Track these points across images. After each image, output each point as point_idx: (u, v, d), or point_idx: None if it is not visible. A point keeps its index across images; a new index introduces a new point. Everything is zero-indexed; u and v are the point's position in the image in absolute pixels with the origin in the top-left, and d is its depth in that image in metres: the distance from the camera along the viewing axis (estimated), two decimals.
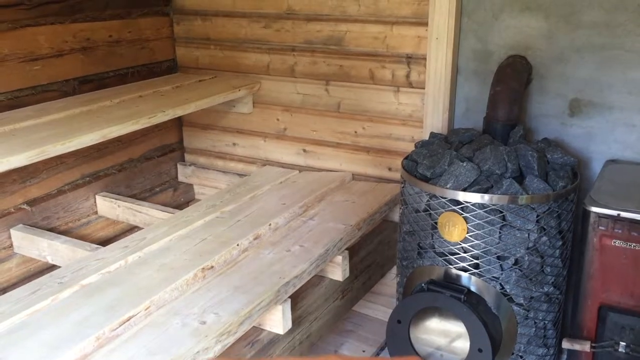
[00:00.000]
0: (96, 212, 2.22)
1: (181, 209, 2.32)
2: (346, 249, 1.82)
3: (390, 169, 2.18)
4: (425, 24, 1.96)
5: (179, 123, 2.55)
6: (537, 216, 1.54)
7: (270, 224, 1.84)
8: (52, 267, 1.87)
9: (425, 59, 1.99)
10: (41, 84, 1.97)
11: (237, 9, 2.30)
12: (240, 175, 2.47)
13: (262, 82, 2.34)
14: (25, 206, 1.97)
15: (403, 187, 1.74)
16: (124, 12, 2.23)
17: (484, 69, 1.92)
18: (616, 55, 1.72)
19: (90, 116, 1.85)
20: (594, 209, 1.47)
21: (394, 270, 2.12)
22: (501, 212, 1.53)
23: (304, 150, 2.34)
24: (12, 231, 1.93)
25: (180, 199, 2.60)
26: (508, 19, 1.84)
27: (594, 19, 1.72)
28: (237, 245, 1.70)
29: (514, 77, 1.78)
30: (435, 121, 2.01)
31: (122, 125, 1.79)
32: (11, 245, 1.94)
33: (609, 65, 1.73)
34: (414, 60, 2.03)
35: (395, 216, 2.10)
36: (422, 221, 1.66)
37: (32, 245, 1.92)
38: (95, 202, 2.21)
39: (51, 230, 2.04)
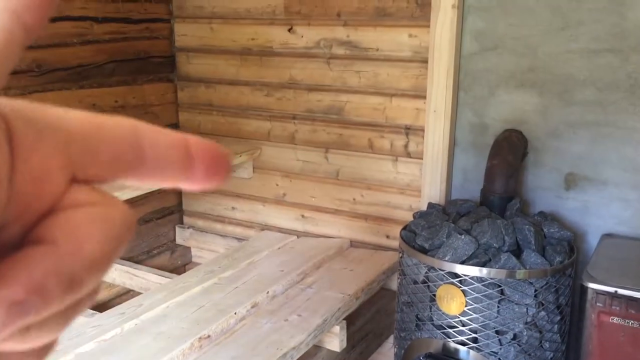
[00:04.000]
0: None
1: (178, 273, 2.32)
2: (344, 318, 1.81)
3: (388, 237, 2.20)
4: (424, 97, 2.01)
5: None
6: (535, 291, 1.55)
7: (268, 292, 1.84)
8: None
9: (423, 130, 2.04)
10: None
11: (241, 78, 2.36)
12: (239, 239, 2.48)
13: (263, 148, 2.38)
14: None
15: (401, 258, 1.76)
16: (130, 78, 2.29)
17: (480, 141, 1.96)
18: (609, 132, 1.76)
19: None
20: (592, 285, 1.48)
21: (391, 339, 2.10)
22: (499, 286, 1.54)
23: (303, 216, 2.36)
24: None
25: (178, 262, 2.60)
26: (504, 94, 1.90)
27: (587, 97, 1.78)
28: (235, 313, 1.70)
29: (510, 151, 1.82)
30: (433, 191, 2.04)
31: (124, 191, 1.81)
32: None
33: (602, 141, 1.78)
34: (412, 131, 2.08)
35: (393, 284, 2.10)
36: (420, 293, 1.66)
37: None
38: None
39: None
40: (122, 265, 2.18)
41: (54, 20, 1.97)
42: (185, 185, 0.23)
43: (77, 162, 0.20)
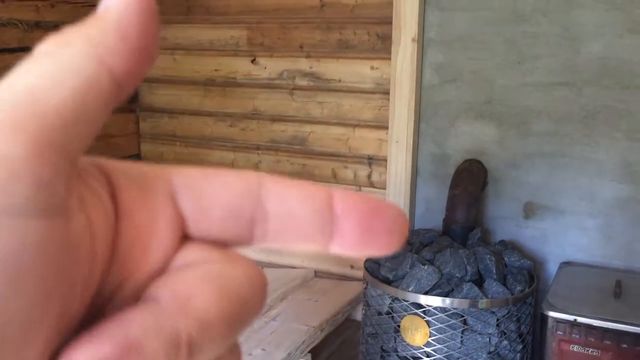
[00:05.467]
0: None
1: None
2: (309, 351, 1.79)
3: (352, 267, 2.20)
4: (386, 128, 2.04)
5: None
6: (497, 320, 1.57)
7: None
8: None
9: (386, 160, 2.06)
10: None
11: (204, 108, 2.36)
12: None
13: None
14: None
15: (366, 289, 1.76)
16: None
17: (442, 171, 1.99)
18: (565, 163, 1.81)
19: None
20: (552, 314, 1.51)
21: None
22: (462, 316, 1.55)
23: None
24: None
25: None
26: (463, 125, 1.94)
27: (543, 129, 1.83)
28: None
29: (471, 181, 1.85)
30: None
31: None
32: None
33: (559, 171, 1.82)
34: (375, 161, 2.10)
35: (358, 315, 2.10)
36: (385, 324, 1.66)
37: None
38: None
39: None
40: None
41: (12, 51, 1.95)
42: (335, 250, 0.19)
43: (188, 216, 0.18)
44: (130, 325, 0.16)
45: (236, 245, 0.19)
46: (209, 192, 0.19)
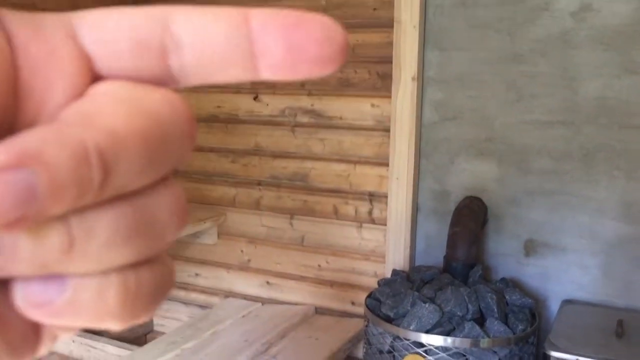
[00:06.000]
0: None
1: (140, 343, 2.25)
2: None
3: (353, 303, 2.19)
4: (387, 165, 2.05)
5: None
6: (499, 359, 1.55)
7: None
8: None
9: (386, 197, 2.07)
10: None
11: (207, 144, 2.38)
12: (202, 307, 2.43)
13: (228, 214, 2.37)
14: None
15: (367, 327, 1.75)
16: None
17: (442, 208, 2.00)
18: (565, 200, 1.82)
19: None
20: (554, 354, 1.49)
21: None
22: (464, 355, 1.54)
23: (268, 283, 2.34)
24: None
25: (139, 331, 2.53)
26: (463, 162, 1.95)
27: (543, 166, 1.84)
28: None
29: (471, 218, 1.86)
30: (397, 257, 2.06)
31: None
32: None
33: (559, 209, 1.83)
34: (376, 197, 2.11)
35: (359, 352, 2.08)
36: None
37: None
38: None
39: None
40: (80, 336, 2.11)
41: None
42: (266, 74, 0.17)
43: (94, 52, 0.17)
44: (28, 138, 0.15)
45: (156, 83, 0.18)
46: (111, 26, 0.17)
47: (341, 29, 0.18)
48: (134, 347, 2.03)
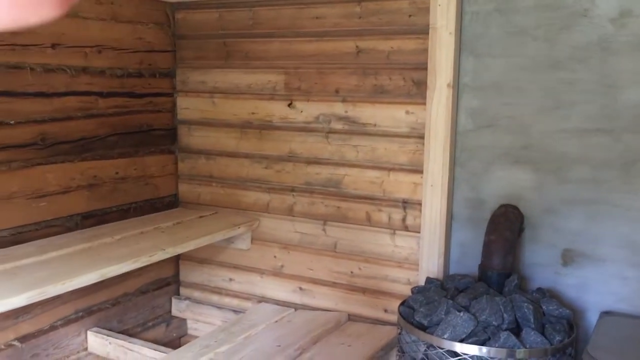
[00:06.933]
0: (86, 349, 2.18)
1: (174, 346, 2.28)
2: None
3: (386, 311, 2.18)
4: (421, 172, 2.05)
5: (176, 256, 2.57)
6: None
7: None
8: None
9: (420, 204, 2.06)
10: (45, 220, 2.01)
11: (241, 150, 2.41)
12: (235, 311, 2.45)
13: (261, 220, 2.39)
14: (15, 342, 1.94)
15: (400, 334, 1.74)
16: (132, 150, 2.32)
17: (477, 216, 1.98)
18: (605, 210, 1.78)
19: (91, 254, 1.87)
20: None
21: None
22: None
23: (300, 288, 2.35)
24: None
25: (173, 334, 2.56)
26: (499, 170, 1.93)
27: (581, 175, 1.81)
28: None
29: (507, 227, 1.84)
30: (430, 265, 2.04)
31: (122, 265, 1.81)
32: None
33: (598, 218, 1.80)
34: (409, 205, 2.10)
35: None
36: None
37: None
38: (86, 338, 2.17)
39: None
40: (117, 338, 2.15)
41: (60, 95, 2.02)
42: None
43: None
44: None
45: None
46: None
47: None
48: (169, 349, 2.06)
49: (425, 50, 1.98)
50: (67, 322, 2.11)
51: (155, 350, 2.07)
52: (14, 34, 1.87)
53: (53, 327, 2.06)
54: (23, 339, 1.96)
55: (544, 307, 1.68)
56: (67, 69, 2.04)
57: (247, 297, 2.47)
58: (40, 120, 1.97)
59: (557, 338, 1.57)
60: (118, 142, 2.26)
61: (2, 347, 1.90)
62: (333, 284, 2.28)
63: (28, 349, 1.98)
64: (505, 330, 1.56)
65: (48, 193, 2.02)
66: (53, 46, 1.98)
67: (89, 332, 2.18)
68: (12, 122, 1.88)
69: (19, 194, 1.92)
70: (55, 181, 2.04)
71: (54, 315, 2.06)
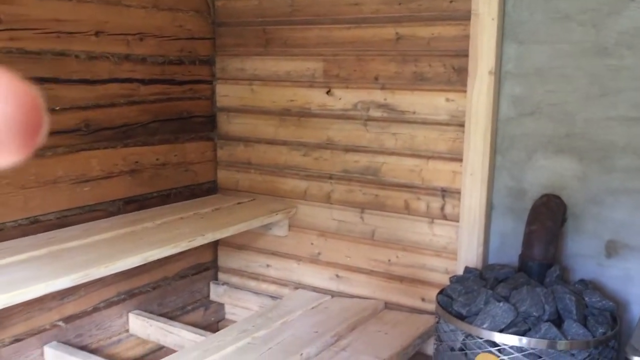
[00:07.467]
0: (127, 331, 2.23)
1: (212, 330, 2.32)
2: None
3: (423, 300, 2.17)
4: (460, 160, 2.02)
5: (214, 242, 2.60)
6: None
7: (301, 354, 1.82)
8: None
9: (459, 193, 2.04)
10: (88, 204, 2.06)
11: (279, 137, 2.41)
12: (273, 297, 2.48)
13: (299, 207, 2.40)
14: (60, 323, 2.00)
15: (438, 323, 1.73)
16: (172, 137, 2.35)
17: (518, 206, 1.95)
18: None
19: (133, 238, 1.91)
20: (637, 359, 1.43)
21: None
22: (539, 356, 1.50)
23: (337, 276, 2.35)
24: (46, 348, 1.94)
25: (211, 318, 2.60)
26: (542, 159, 1.89)
27: (628, 164, 1.76)
28: None
29: (549, 217, 1.80)
30: (469, 255, 2.02)
31: (163, 249, 1.84)
32: None
33: None
34: (448, 193, 2.08)
35: (429, 349, 2.06)
36: None
37: None
38: (127, 320, 2.22)
39: (82, 348, 2.04)
40: (157, 321, 2.19)
41: (103, 82, 2.06)
42: None
43: None
44: None
45: None
46: None
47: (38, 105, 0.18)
48: (208, 333, 2.09)
49: (466, 37, 1.95)
50: (110, 304, 2.16)
51: (194, 333, 2.11)
52: (59, 21, 1.91)
53: (96, 309, 2.11)
54: (67, 319, 2.02)
55: (586, 298, 1.64)
56: (110, 57, 2.07)
57: (284, 283, 2.49)
58: (84, 107, 2.01)
59: (600, 330, 1.54)
60: (159, 128, 2.29)
61: (48, 327, 1.96)
62: (370, 272, 2.28)
63: (72, 330, 2.03)
64: (547, 321, 1.54)
65: (92, 178, 2.06)
66: (96, 34, 2.02)
67: (130, 315, 2.23)
68: (57, 107, 1.93)
69: (64, 178, 1.97)
70: (98, 166, 2.08)
71: (97, 297, 2.11)
